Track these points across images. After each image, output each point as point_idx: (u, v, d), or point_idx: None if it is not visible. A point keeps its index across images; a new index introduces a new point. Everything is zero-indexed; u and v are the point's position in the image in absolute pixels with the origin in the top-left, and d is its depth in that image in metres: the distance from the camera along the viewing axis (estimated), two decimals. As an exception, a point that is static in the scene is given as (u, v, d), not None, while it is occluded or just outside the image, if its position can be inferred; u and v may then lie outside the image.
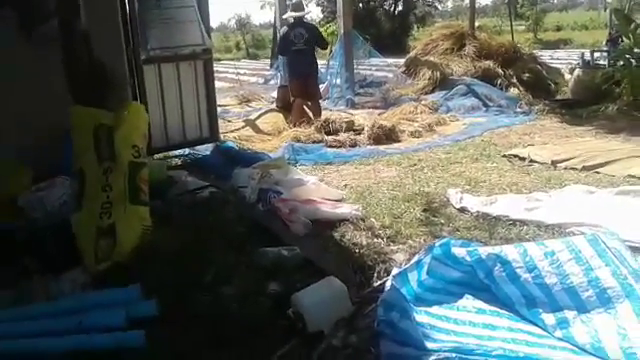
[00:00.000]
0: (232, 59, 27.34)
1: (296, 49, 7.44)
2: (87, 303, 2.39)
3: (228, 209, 3.60)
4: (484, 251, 2.62)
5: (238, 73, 15.34)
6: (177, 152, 5.53)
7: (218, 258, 2.92)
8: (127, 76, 4.33)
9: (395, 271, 2.83)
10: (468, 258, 2.63)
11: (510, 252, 2.57)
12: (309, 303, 2.54)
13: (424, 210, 3.98)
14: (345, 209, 3.76)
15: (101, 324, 2.26)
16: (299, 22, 7.63)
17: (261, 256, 3.05)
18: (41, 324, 2.28)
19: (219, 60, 25.46)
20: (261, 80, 14.98)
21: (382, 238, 3.49)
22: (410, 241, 3.44)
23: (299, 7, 7.71)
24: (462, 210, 3.94)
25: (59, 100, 3.17)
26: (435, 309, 2.56)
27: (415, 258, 2.73)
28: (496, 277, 2.55)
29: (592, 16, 36.33)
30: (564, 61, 13.76)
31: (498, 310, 2.53)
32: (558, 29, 32.03)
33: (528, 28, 27.04)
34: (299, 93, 7.55)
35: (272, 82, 12.90)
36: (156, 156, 5.28)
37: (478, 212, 3.85)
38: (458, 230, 3.60)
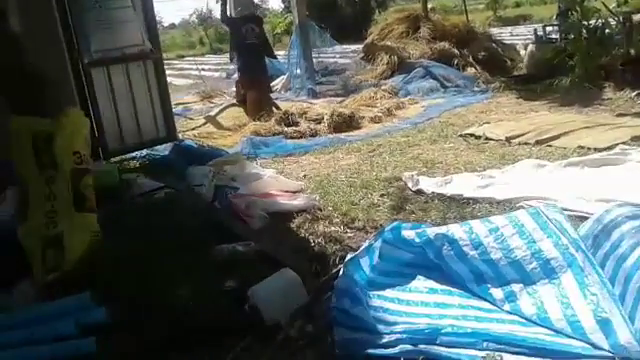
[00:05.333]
0: (195, 55, 27.02)
1: (249, 43, 7.46)
2: (37, 314, 2.37)
3: (183, 209, 3.58)
4: (432, 232, 2.66)
5: (201, 69, 15.18)
6: (134, 154, 5.45)
7: (172, 260, 2.90)
8: (70, 80, 4.25)
9: (347, 258, 2.87)
10: (417, 240, 2.68)
11: (456, 231, 2.62)
12: (264, 295, 2.55)
13: (381, 195, 4.02)
14: (302, 200, 3.78)
15: (52, 334, 2.24)
16: (250, 17, 7.65)
17: (216, 254, 3.05)
18: (-9, 339, 2.25)
19: (182, 57, 25.17)
20: (224, 75, 14.85)
21: (339, 226, 3.52)
22: (367, 226, 3.47)
23: (247, 6, 7.75)
24: (418, 192, 3.99)
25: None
26: (388, 292, 2.60)
27: (366, 243, 2.76)
28: (445, 256, 2.60)
29: (550, -10, 36.87)
30: (522, 37, 13.94)
31: (449, 288, 2.58)
32: (517, 5, 32.35)
33: (488, 6, 27.25)
34: (250, 85, 7.58)
35: (234, 76, 12.79)
36: (113, 159, 5.22)
37: (433, 193, 3.90)
38: (414, 212, 3.65)
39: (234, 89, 9.59)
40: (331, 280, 2.81)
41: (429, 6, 10.17)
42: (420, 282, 2.66)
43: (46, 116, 2.83)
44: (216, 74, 15.66)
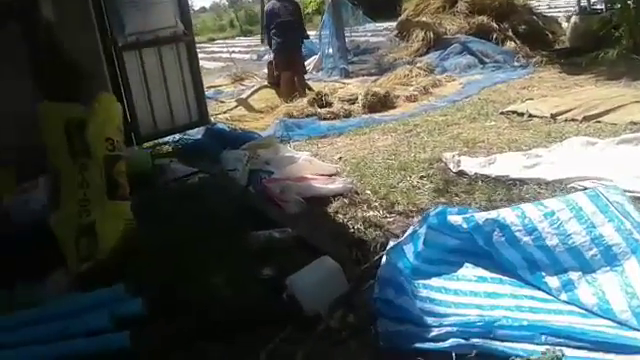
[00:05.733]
0: (226, 38, 26.93)
1: (282, 20, 7.28)
2: (72, 307, 2.30)
3: (217, 195, 3.48)
4: (481, 217, 2.50)
5: (231, 52, 15.08)
6: (167, 139, 5.39)
7: (207, 248, 2.82)
8: (103, 65, 4.17)
9: (390, 245, 2.73)
10: (465, 225, 2.51)
11: (508, 215, 2.45)
12: (303, 285, 2.45)
13: (421, 177, 3.85)
14: (339, 183, 3.64)
15: (87, 328, 2.17)
16: None
17: (252, 241, 2.95)
18: (25, 332, 2.20)
19: (213, 40, 25.09)
20: (255, 57, 14.72)
21: (378, 210, 3.38)
22: (407, 211, 3.32)
23: None
24: (460, 174, 3.81)
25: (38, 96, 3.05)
26: (434, 281, 2.46)
27: (410, 230, 2.61)
28: (495, 242, 2.44)
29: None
30: (562, 9, 13.37)
31: (500, 277, 2.43)
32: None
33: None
34: (285, 66, 7.40)
35: (265, 58, 12.65)
36: (145, 144, 5.16)
37: (476, 174, 3.72)
38: (457, 195, 3.48)
39: (265, 71, 9.48)
40: (373, 268, 2.69)
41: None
42: (468, 270, 2.51)
43: (81, 102, 2.75)
44: (247, 56, 15.54)
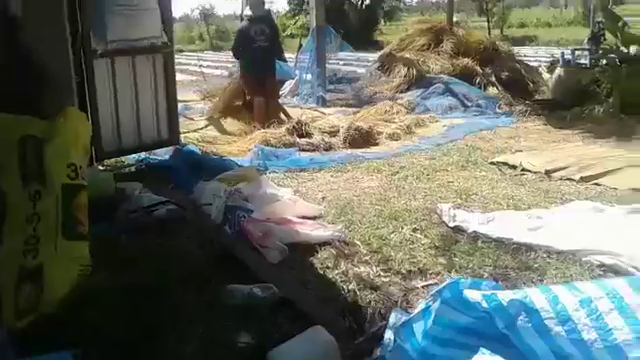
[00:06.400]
0: (195, 50, 26.42)
1: (257, 46, 6.85)
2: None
3: (188, 233, 3.04)
4: (505, 296, 2.14)
5: (201, 65, 14.58)
6: (131, 157, 4.90)
7: (175, 299, 2.37)
8: (71, 72, 3.69)
9: (393, 317, 2.35)
10: (485, 304, 2.15)
11: (537, 298, 2.10)
12: (290, 362, 2.04)
13: (414, 230, 3.51)
14: (327, 231, 3.25)
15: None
16: (261, 18, 7.06)
17: (228, 296, 2.52)
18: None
19: (181, 51, 24.51)
20: (225, 73, 14.29)
21: (371, 266, 3.00)
22: (404, 270, 2.96)
23: (258, 7, 7.14)
24: (456, 230, 3.49)
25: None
26: (445, 369, 2.08)
27: (422, 304, 2.23)
28: (520, 328, 2.08)
29: (555, 14, 36.80)
30: (532, 58, 13.50)
31: (522, 370, 2.07)
32: (522, 26, 32.11)
33: (494, 24, 26.88)
34: (257, 92, 6.98)
35: (235, 77, 12.24)
36: (107, 162, 4.67)
37: (475, 233, 3.41)
38: (455, 255, 3.15)
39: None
40: (369, 342, 2.31)
41: (454, 19, 9.66)
42: (485, 358, 2.14)
43: (40, 115, 2.28)
44: (217, 72, 15.09)
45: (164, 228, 3.15)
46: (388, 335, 2.24)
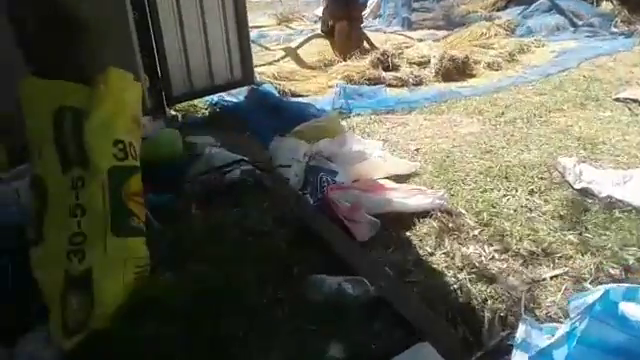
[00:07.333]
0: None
1: None
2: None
3: (265, 203, 2.61)
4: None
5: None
6: (204, 99, 4.49)
7: (251, 301, 1.98)
8: (128, 14, 3.21)
9: (522, 330, 1.85)
10: (646, 320, 1.62)
11: None
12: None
13: (530, 192, 2.92)
14: (426, 198, 2.72)
15: None
16: None
17: (314, 289, 2.09)
18: None
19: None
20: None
21: (482, 245, 2.47)
22: (525, 251, 2.41)
23: None
24: (583, 192, 2.86)
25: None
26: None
27: (566, 326, 1.71)
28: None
29: None
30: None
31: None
32: None
33: None
34: (341, 15, 6.28)
35: (318, -3, 11.43)
36: (178, 106, 4.29)
37: (610, 197, 2.77)
38: (587, 229, 2.56)
39: (316, 12, 8.39)
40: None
41: None
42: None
43: (79, 79, 1.85)
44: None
45: (237, 195, 2.75)
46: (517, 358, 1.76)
